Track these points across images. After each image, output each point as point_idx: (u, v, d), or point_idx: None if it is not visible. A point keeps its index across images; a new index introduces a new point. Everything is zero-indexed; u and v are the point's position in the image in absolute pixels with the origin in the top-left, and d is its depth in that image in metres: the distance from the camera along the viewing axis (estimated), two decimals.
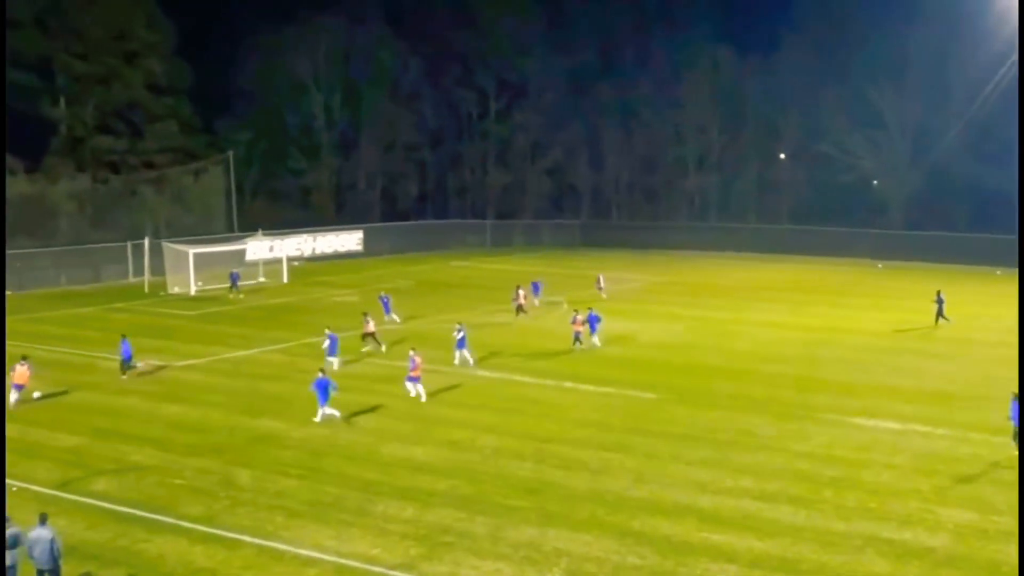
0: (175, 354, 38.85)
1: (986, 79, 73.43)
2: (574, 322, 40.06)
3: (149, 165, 78.67)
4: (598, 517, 21.36)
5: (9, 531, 16.77)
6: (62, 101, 76.86)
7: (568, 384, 33.87)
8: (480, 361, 37.11)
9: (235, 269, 57.62)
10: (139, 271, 60.69)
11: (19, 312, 47.90)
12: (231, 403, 31.29)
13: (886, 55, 79.26)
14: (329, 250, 74.06)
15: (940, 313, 45.11)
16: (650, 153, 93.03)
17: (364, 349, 38.73)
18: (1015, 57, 62.33)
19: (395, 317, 45.97)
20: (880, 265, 70.96)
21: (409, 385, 31.71)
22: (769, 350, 40.42)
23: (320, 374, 29.60)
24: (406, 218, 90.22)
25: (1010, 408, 25.55)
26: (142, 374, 35.04)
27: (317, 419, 28.61)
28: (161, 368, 36.24)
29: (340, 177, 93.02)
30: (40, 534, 16.98)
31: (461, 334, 36.82)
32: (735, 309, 51.33)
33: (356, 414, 29.65)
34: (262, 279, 61.53)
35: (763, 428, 28.44)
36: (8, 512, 17.33)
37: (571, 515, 21.48)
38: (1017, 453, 24.66)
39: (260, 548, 19.76)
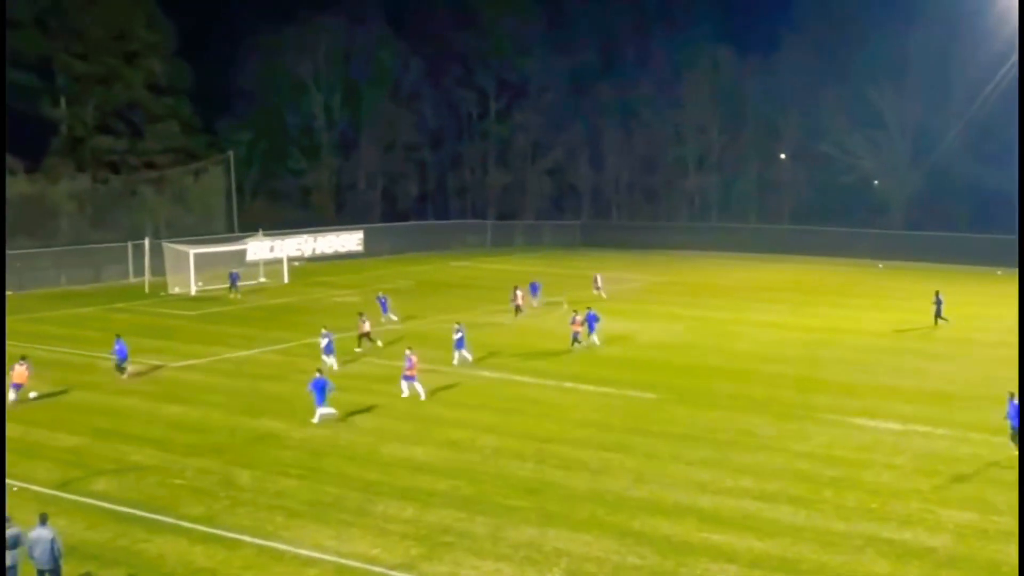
0: (175, 354, 38.86)
1: (987, 79, 73.39)
2: (573, 323, 40.10)
3: (149, 165, 78.66)
4: (598, 517, 21.35)
5: (9, 531, 16.77)
6: (62, 101, 76.87)
7: (568, 384, 33.87)
8: (480, 361, 37.13)
9: (235, 269, 57.65)
10: (139, 271, 60.72)
11: (20, 312, 47.92)
12: (231, 403, 31.30)
13: (886, 55, 79.22)
14: (329, 250, 74.07)
15: (938, 314, 45.15)
16: (650, 153, 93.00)
17: (358, 350, 38.73)
18: (1015, 57, 62.28)
19: (392, 317, 46.02)
20: (881, 265, 70.94)
21: (404, 384, 31.77)
22: (769, 350, 40.42)
23: (317, 374, 29.63)
24: (406, 218, 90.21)
25: (1007, 407, 25.63)
26: (138, 374, 35.02)
27: (315, 420, 28.60)
28: (155, 368, 36.25)
29: (340, 177, 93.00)
30: (40, 534, 16.98)
31: (459, 334, 36.86)
32: (735, 309, 51.33)
33: (354, 413, 29.66)
34: (263, 279, 61.55)
35: (763, 428, 28.44)
36: (8, 512, 17.33)
37: (571, 515, 21.48)
38: (1017, 453, 24.66)
39: (260, 548, 19.76)
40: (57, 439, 27.29)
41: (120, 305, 52.77)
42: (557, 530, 20.59)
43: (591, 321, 40.44)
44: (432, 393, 31.99)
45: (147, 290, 57.47)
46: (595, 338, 40.32)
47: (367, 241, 77.07)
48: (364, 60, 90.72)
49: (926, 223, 76.12)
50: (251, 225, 69.69)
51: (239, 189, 78.35)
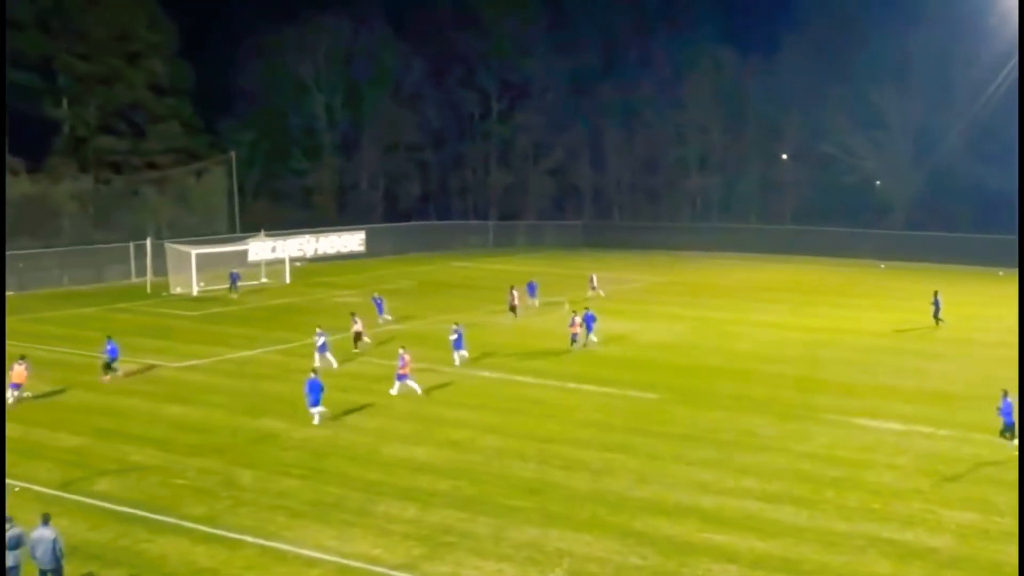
0: (177, 354, 38.90)
1: (988, 79, 73.33)
2: (572, 324, 40.14)
3: (151, 165, 78.70)
4: (600, 517, 21.36)
5: (12, 532, 16.79)
6: (64, 101, 76.96)
7: (570, 384, 33.88)
8: (481, 361, 37.16)
9: (235, 269, 57.71)
10: (141, 271, 60.78)
11: (22, 312, 47.98)
12: (233, 403, 31.32)
13: (888, 55, 79.21)
14: (331, 251, 74.09)
15: (936, 314, 45.14)
16: (652, 154, 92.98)
17: (355, 350, 38.81)
18: (1016, 59, 62.22)
19: (388, 317, 46.13)
20: (883, 266, 70.90)
21: (398, 384, 31.85)
22: (771, 350, 40.42)
23: (312, 374, 29.67)
24: (408, 219, 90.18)
25: (1000, 404, 25.92)
26: (130, 374, 35.04)
27: (316, 421, 28.63)
28: (149, 368, 36.27)
29: (342, 178, 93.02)
30: (42, 534, 17.00)
31: (456, 335, 36.90)
32: (737, 310, 51.32)
33: (354, 414, 29.70)
34: (264, 280, 61.59)
35: (765, 428, 28.44)
36: (10, 512, 17.34)
37: (573, 515, 21.49)
38: (1017, 453, 24.70)
39: (262, 548, 19.78)
40: (59, 439, 27.32)
41: (122, 305, 52.81)
42: (559, 530, 20.60)
43: (589, 321, 40.54)
44: (433, 393, 32.02)
45: (149, 290, 57.51)
46: (593, 337, 40.44)
47: (369, 241, 77.10)
48: (366, 60, 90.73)
49: (928, 223, 76.05)
50: (253, 225, 69.71)
51: (241, 189, 78.39)
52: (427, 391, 31.83)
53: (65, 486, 23.29)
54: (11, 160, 67.76)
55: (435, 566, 18.91)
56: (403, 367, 31.92)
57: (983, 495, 22.75)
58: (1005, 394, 25.84)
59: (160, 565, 19.00)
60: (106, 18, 75.86)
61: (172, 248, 58.85)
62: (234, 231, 71.96)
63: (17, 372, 30.76)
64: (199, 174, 79.22)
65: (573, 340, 39.76)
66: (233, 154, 76.12)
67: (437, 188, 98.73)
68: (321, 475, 24.17)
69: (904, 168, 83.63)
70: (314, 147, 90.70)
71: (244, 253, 62.13)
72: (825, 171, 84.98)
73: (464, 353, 36.83)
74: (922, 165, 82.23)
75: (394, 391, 31.87)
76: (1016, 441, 25.69)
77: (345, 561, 19.13)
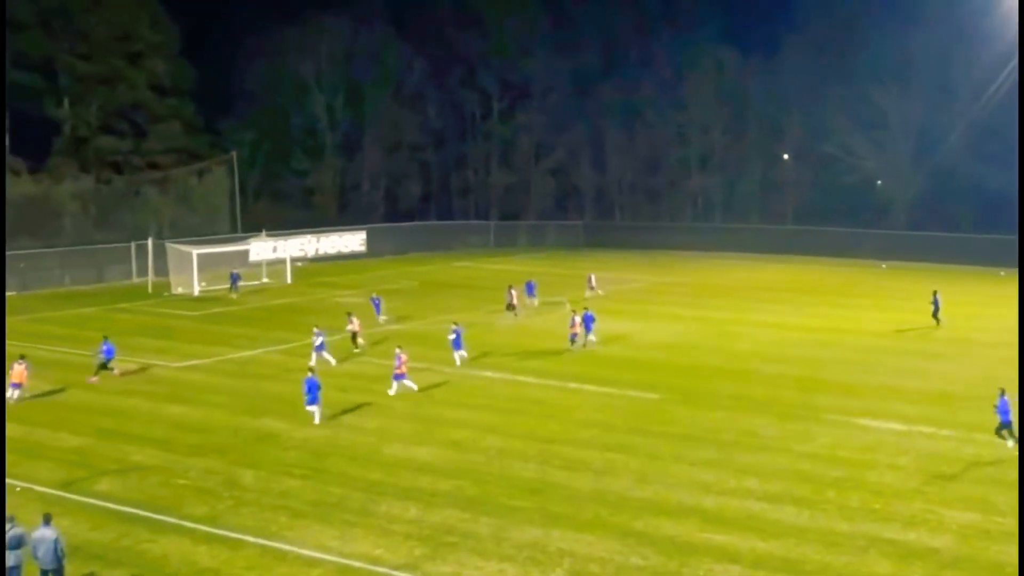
0: (178, 354, 38.93)
1: (990, 80, 73.27)
2: (572, 325, 40.14)
3: (153, 166, 78.79)
4: (601, 517, 21.37)
5: (13, 531, 16.81)
6: (66, 102, 77.02)
7: (571, 384, 33.89)
8: (482, 361, 37.17)
9: (236, 269, 57.73)
10: (143, 271, 60.81)
11: (23, 312, 48.01)
12: (234, 403, 31.35)
13: (889, 56, 79.14)
14: (332, 251, 74.09)
15: (934, 314, 45.13)
16: (653, 154, 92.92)
17: (355, 350, 38.85)
18: (1017, 59, 62.21)
19: (385, 318, 46.16)
20: (884, 266, 70.85)
21: (396, 384, 31.89)
22: (771, 351, 40.41)
23: (310, 374, 29.69)
24: (409, 219, 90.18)
25: (997, 402, 25.98)
26: (127, 373, 35.07)
27: (316, 421, 28.64)
28: (146, 368, 36.29)
29: (343, 178, 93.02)
30: (44, 534, 17.02)
31: (455, 335, 36.91)
32: (738, 310, 51.30)
33: (351, 412, 29.74)
34: (266, 280, 61.62)
35: (766, 429, 28.44)
36: (12, 512, 17.37)
37: (575, 516, 21.49)
38: (1017, 453, 24.72)
39: (264, 548, 19.79)
40: (60, 439, 27.34)
41: (123, 305, 52.83)
42: (560, 530, 20.61)
43: (588, 321, 40.55)
44: (434, 393, 32.03)
45: (150, 290, 57.53)
46: (592, 337, 40.47)
47: (370, 241, 77.09)
48: (367, 60, 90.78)
49: (929, 223, 75.96)
50: (254, 225, 69.75)
51: (242, 190, 78.40)
52: (428, 391, 31.84)
53: (66, 486, 23.31)
54: (12, 160, 67.85)
55: (437, 566, 18.93)
56: (400, 366, 31.97)
57: (984, 495, 22.75)
58: (1002, 392, 25.95)
59: (162, 565, 19.02)
60: (107, 18, 75.99)
61: (173, 248, 58.88)
62: (235, 231, 71.98)
63: (17, 372, 30.83)
64: (200, 174, 79.21)
65: (572, 340, 39.79)
66: (234, 154, 76.16)
67: (438, 188, 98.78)
68: (322, 475, 24.19)
69: (905, 168, 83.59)
70: (315, 147, 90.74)
71: (245, 253, 62.15)
72: (826, 171, 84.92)
73: (463, 353, 36.87)
74: (923, 165, 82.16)
75: (392, 391, 31.90)
76: (1012, 441, 25.72)
77: (347, 561, 19.14)
